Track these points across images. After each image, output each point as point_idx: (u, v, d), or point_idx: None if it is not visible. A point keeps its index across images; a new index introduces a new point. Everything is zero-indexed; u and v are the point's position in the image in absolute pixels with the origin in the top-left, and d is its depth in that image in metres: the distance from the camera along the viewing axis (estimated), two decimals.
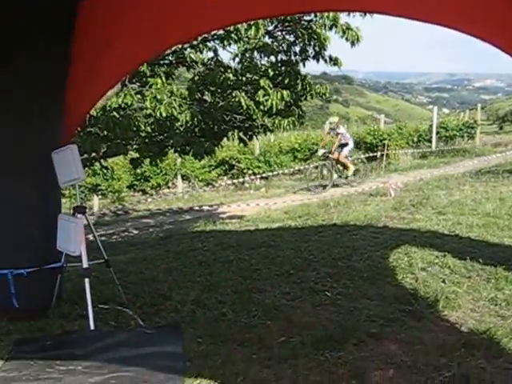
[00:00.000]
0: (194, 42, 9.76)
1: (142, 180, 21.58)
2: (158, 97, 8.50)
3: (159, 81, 8.78)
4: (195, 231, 11.22)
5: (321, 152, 19.24)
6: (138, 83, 9.59)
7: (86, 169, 11.24)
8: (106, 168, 10.55)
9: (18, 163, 6.03)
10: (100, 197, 20.04)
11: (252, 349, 4.90)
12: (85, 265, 5.83)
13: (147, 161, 10.58)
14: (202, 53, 10.12)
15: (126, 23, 6.10)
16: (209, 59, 10.23)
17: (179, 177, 22.34)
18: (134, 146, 9.84)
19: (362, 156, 21.68)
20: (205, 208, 16.55)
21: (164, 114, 8.48)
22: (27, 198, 6.11)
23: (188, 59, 9.97)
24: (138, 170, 18.59)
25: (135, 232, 14.19)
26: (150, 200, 19.75)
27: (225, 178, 23.06)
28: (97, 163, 10.21)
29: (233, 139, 10.58)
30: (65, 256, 6.10)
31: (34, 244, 6.14)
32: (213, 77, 9.47)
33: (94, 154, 9.41)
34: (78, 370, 4.72)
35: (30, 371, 4.73)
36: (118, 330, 5.64)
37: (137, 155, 10.23)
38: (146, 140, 9.78)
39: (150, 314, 5.96)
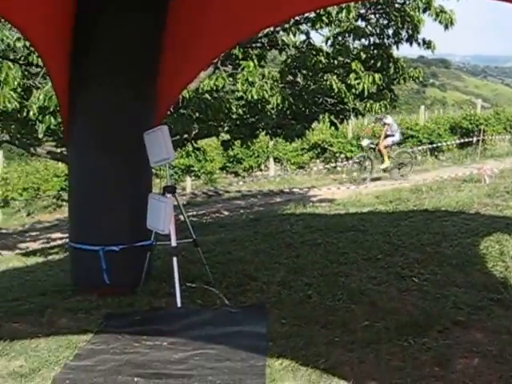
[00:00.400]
0: (286, 25, 9.73)
1: (235, 162, 21.74)
2: (250, 79, 8.54)
3: (251, 63, 8.82)
4: (285, 214, 11.25)
5: (365, 142, 18.58)
6: (230, 66, 9.67)
7: (179, 150, 11.50)
8: (198, 149, 10.74)
9: (112, 143, 6.23)
10: (193, 178, 20.37)
11: (335, 332, 4.88)
12: (173, 243, 5.97)
13: (238, 143, 10.69)
14: (294, 36, 10.07)
15: (217, 6, 6.15)
16: (301, 42, 10.18)
17: (271, 159, 22.39)
18: (226, 128, 9.95)
19: (409, 150, 20.57)
20: (295, 191, 16.56)
21: (255, 97, 8.52)
22: (119, 177, 6.31)
23: (280, 42, 9.96)
24: (231, 152, 18.75)
25: (226, 213, 14.39)
26: (241, 182, 19.95)
27: (317, 161, 22.93)
28: (189, 144, 10.41)
29: (323, 122, 10.49)
30: (154, 234, 6.26)
31: (124, 222, 6.35)
32: (304, 59, 9.42)
33: (185, 136, 9.59)
34: (164, 346, 4.83)
35: (117, 345, 4.88)
36: (204, 308, 5.74)
37: (228, 137, 10.35)
38: (237, 122, 9.86)
39: (236, 293, 6.02)
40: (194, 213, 14.04)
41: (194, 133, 9.77)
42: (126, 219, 6.36)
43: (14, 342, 4.98)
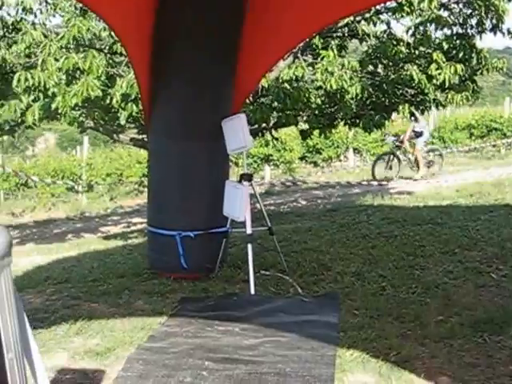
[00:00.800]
0: (367, 15, 9.60)
1: (314, 152, 21.64)
2: (329, 69, 8.49)
3: (331, 53, 8.76)
4: (362, 205, 11.14)
5: (389, 139, 17.10)
6: (310, 55, 9.64)
7: (258, 139, 11.58)
8: (277, 139, 10.79)
9: (191, 130, 6.34)
10: (272, 167, 20.47)
11: (408, 325, 4.81)
12: (248, 231, 6.03)
13: (317, 132, 10.66)
14: (375, 25, 9.92)
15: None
16: (381, 32, 10.02)
17: (351, 150, 22.20)
18: (304, 118, 9.94)
19: (439, 149, 18.63)
20: (374, 182, 16.36)
21: (334, 87, 8.46)
22: (198, 164, 6.42)
23: (360, 32, 9.84)
24: (310, 142, 18.70)
25: (303, 203, 14.39)
26: (320, 172, 19.88)
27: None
28: (267, 134, 10.47)
29: (403, 113, 10.30)
30: (230, 221, 6.34)
31: (201, 208, 6.46)
32: (384, 49, 9.28)
33: (264, 125, 9.64)
34: (235, 332, 4.89)
35: (190, 328, 4.97)
36: (277, 296, 5.77)
37: (306, 127, 10.34)
38: (316, 112, 9.82)
39: (310, 283, 6.04)
40: (272, 202, 14.11)
41: (272, 122, 9.81)
42: (203, 206, 6.48)
43: (92, 321, 5.16)
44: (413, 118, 15.17)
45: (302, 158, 21.75)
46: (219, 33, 6.18)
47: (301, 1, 6.19)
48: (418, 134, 16.48)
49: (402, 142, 16.76)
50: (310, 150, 21.51)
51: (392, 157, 16.89)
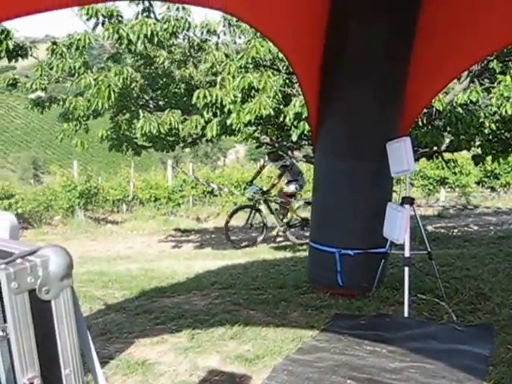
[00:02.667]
0: None
1: (492, 177, 20.76)
2: (505, 94, 8.17)
3: (508, 78, 8.42)
4: None
5: (250, 191, 12.87)
6: (487, 80, 9.33)
7: (430, 161, 11.35)
8: (447, 162, 10.51)
9: (357, 149, 6.46)
10: (447, 190, 19.93)
11: None
12: (406, 254, 6.01)
13: (490, 158, 10.27)
14: None
15: (468, 16, 6.04)
16: None
17: None
18: (477, 143, 9.63)
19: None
20: None
21: (510, 112, 8.13)
22: (362, 184, 6.53)
23: None
24: (488, 167, 17.91)
25: (475, 228, 13.85)
26: (497, 198, 18.95)
27: None
28: (440, 156, 10.25)
29: None
30: (389, 243, 6.36)
31: (362, 228, 6.55)
32: None
33: (435, 148, 9.47)
34: (383, 353, 4.91)
35: (338, 345, 5.08)
36: (430, 321, 5.70)
37: (479, 152, 10.00)
38: (490, 137, 9.49)
39: (466, 311, 5.89)
40: (443, 225, 13.74)
41: (444, 145, 9.62)
42: (365, 225, 6.56)
43: (248, 327, 5.46)
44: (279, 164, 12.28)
45: (478, 183, 20.96)
46: (388, 54, 6.25)
47: (473, 23, 6.06)
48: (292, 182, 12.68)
49: (265, 192, 12.86)
50: (488, 174, 20.63)
51: (254, 210, 13.01)
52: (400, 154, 6.10)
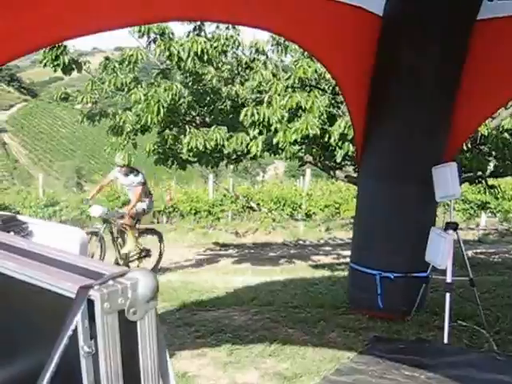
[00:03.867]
0: None
1: None
2: None
3: None
4: None
5: (97, 211, 9.78)
6: None
7: (475, 186, 11.25)
8: (492, 187, 10.42)
9: (401, 173, 6.48)
10: (488, 215, 19.65)
11: None
12: (448, 279, 5.99)
13: None
14: None
15: None
16: None
17: None
18: None
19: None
20: None
21: None
22: (405, 207, 6.55)
23: None
24: None
25: None
26: None
27: None
28: (484, 182, 10.17)
29: None
30: (431, 267, 6.35)
31: (404, 251, 6.54)
32: None
33: (480, 173, 9.42)
34: (420, 379, 4.89)
35: (376, 368, 5.08)
36: (470, 349, 5.67)
37: None
38: None
39: (506, 341, 5.83)
40: (484, 250, 13.56)
41: (489, 171, 9.56)
42: (406, 249, 6.56)
43: (286, 345, 5.52)
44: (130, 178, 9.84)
45: None
46: (439, 79, 6.28)
47: None
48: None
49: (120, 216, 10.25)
50: None
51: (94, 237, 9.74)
52: (446, 178, 6.10)
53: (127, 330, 1.02)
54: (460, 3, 6.08)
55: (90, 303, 0.98)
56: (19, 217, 1.82)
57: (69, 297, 1.02)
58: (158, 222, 19.55)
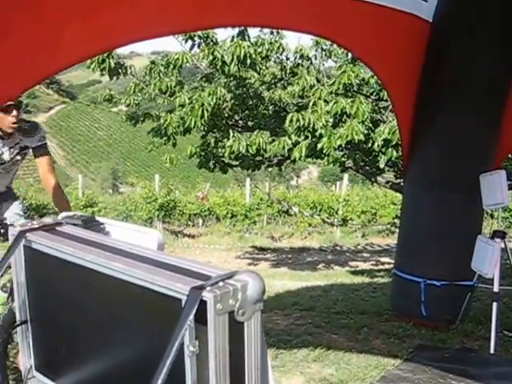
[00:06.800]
0: None
1: None
2: None
3: None
4: None
5: None
6: None
7: None
8: None
9: (448, 181, 6.41)
10: None
11: None
12: (495, 289, 5.89)
13: None
14: None
15: None
16: None
17: None
18: None
19: None
20: None
21: None
22: (451, 214, 6.46)
23: None
24: None
25: None
26: None
27: None
28: None
29: None
30: (477, 276, 6.27)
31: (450, 259, 6.46)
32: None
33: None
34: None
35: (422, 377, 5.03)
36: None
37: None
38: None
39: None
40: None
41: None
42: (452, 257, 6.47)
43: (330, 351, 5.50)
44: None
45: None
46: (488, 83, 6.21)
47: None
48: None
49: None
50: None
51: None
52: (494, 186, 6.02)
53: (235, 331, 1.04)
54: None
55: (202, 304, 1.00)
56: (97, 217, 1.86)
57: (177, 297, 1.04)
58: (193, 226, 19.68)
